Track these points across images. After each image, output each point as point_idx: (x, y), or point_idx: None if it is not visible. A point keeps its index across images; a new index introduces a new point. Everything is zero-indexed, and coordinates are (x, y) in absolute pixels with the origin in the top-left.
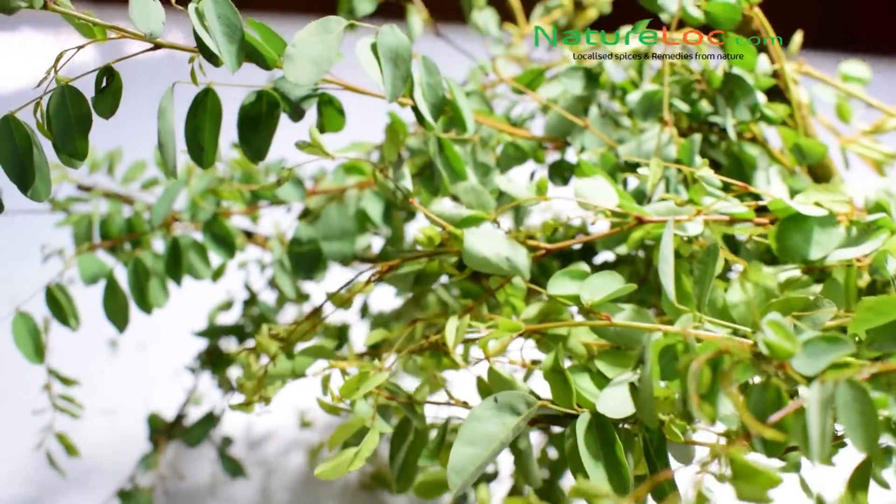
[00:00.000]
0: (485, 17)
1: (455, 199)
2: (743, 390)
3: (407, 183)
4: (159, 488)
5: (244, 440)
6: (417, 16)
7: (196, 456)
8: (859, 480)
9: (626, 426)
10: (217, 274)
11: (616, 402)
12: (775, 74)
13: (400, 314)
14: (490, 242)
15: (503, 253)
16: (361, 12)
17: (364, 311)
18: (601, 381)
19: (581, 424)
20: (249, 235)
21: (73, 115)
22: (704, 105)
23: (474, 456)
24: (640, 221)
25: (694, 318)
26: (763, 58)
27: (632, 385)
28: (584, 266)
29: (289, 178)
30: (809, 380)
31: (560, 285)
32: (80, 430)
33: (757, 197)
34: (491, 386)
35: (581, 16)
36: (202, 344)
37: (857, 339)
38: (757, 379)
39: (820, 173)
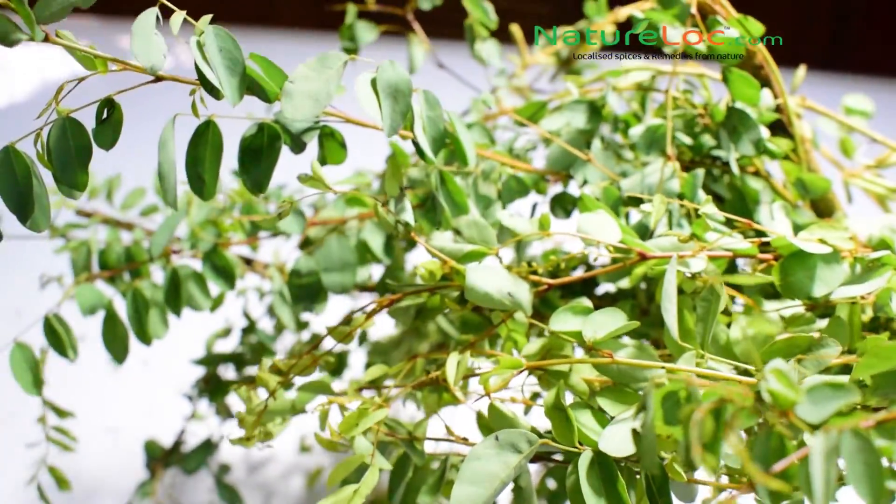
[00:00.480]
0: (487, 48)
1: (457, 232)
2: (747, 433)
3: (408, 216)
4: None
5: (243, 464)
6: (419, 46)
7: (194, 482)
8: None
9: (628, 464)
10: (216, 303)
11: (618, 441)
12: (778, 109)
13: (399, 342)
14: (492, 278)
15: (505, 288)
16: (363, 41)
17: (363, 338)
18: (603, 418)
19: (583, 462)
20: (249, 263)
21: (73, 146)
22: (707, 139)
23: (476, 496)
24: (643, 257)
25: (696, 356)
26: (766, 92)
27: (634, 431)
28: (586, 301)
29: (289, 211)
30: (814, 427)
31: (562, 321)
32: (82, 452)
33: (760, 233)
34: (492, 423)
35: (584, 46)
36: (202, 368)
37: (861, 383)
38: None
39: (822, 207)
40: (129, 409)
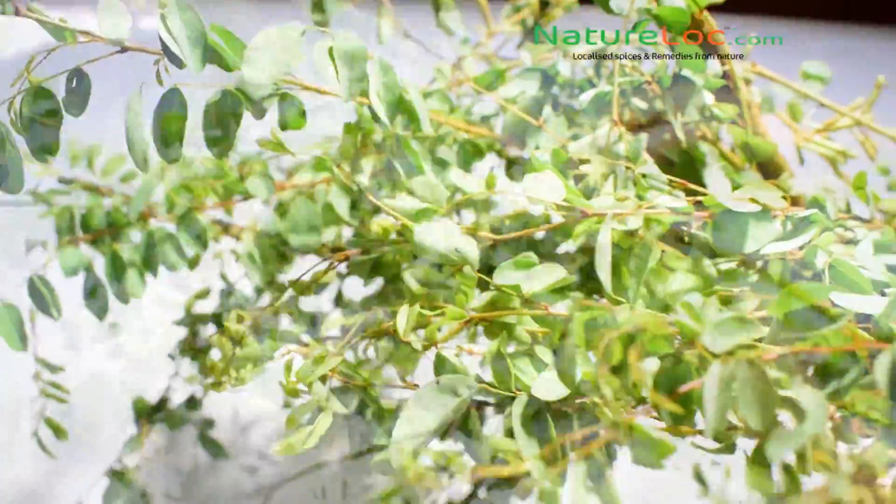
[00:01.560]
0: (452, 17)
1: (411, 192)
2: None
3: (363, 178)
4: (145, 469)
5: (232, 425)
6: (388, 17)
7: (182, 437)
8: (761, 458)
9: (564, 410)
10: (192, 264)
11: (549, 385)
12: (726, 75)
13: (370, 302)
14: (440, 234)
15: (452, 244)
16: (333, 12)
17: (339, 299)
18: (541, 365)
19: (518, 406)
20: (225, 227)
21: (44, 113)
22: (660, 104)
23: (416, 433)
24: (585, 215)
25: (629, 308)
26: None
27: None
28: (532, 257)
29: (251, 173)
30: (719, 357)
31: (505, 275)
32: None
33: (698, 193)
34: (439, 371)
35: (547, 15)
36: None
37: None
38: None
39: (771, 170)
40: (122, 371)
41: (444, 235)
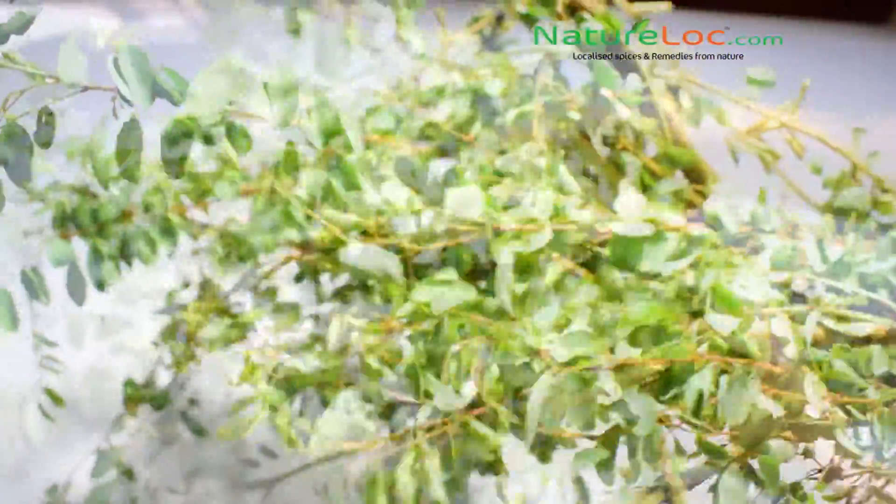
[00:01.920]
0: (409, 32)
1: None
2: None
3: (301, 191)
4: (133, 447)
5: (221, 409)
6: (353, 29)
7: (184, 433)
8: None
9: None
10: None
11: (449, 395)
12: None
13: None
14: (363, 251)
15: (374, 260)
16: (304, 24)
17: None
18: None
19: (423, 414)
20: (204, 226)
21: (18, 146)
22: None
23: (335, 429)
24: (497, 231)
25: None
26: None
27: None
28: (450, 274)
29: (217, 177)
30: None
31: (422, 292)
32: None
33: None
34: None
35: (503, 26)
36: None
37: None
38: None
39: (695, 176)
40: (120, 359)
41: (365, 254)
